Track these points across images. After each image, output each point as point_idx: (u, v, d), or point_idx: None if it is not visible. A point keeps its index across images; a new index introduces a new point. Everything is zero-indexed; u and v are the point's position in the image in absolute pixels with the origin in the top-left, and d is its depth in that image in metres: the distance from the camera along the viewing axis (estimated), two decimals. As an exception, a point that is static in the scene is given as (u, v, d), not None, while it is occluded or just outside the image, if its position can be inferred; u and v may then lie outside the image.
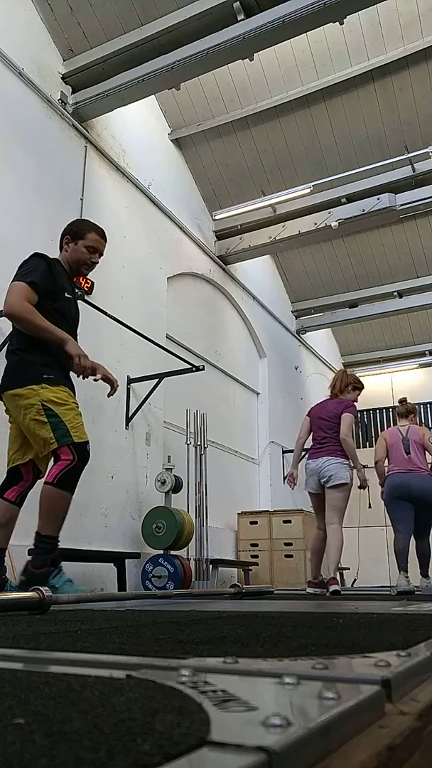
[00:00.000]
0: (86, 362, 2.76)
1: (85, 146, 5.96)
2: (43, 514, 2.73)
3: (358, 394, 4.89)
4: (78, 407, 2.89)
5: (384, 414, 12.11)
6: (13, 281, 2.91)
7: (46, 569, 2.72)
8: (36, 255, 3.12)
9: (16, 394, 2.81)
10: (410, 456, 5.15)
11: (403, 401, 5.70)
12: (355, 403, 4.90)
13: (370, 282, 10.39)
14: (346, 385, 4.88)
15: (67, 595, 2.21)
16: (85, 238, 3.19)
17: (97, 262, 3.27)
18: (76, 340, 3.02)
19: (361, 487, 4.69)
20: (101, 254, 3.26)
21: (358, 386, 4.91)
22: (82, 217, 3.31)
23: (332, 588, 4.33)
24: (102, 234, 3.25)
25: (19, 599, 1.89)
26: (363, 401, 13.67)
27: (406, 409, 5.60)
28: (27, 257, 3.17)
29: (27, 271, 2.95)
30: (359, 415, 12.21)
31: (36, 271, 2.92)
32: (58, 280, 3.04)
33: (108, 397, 3.11)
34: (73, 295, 3.18)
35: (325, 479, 4.69)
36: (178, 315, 7.32)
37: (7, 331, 4.51)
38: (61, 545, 4.50)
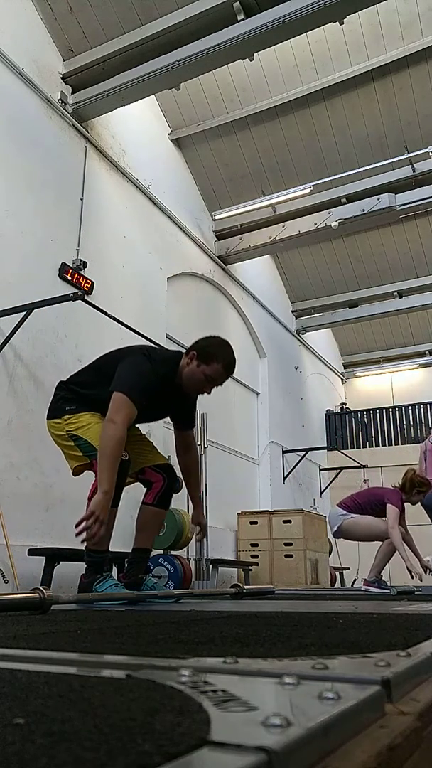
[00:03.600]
0: (96, 527, 2.45)
1: (85, 146, 5.96)
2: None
3: (422, 496, 4.84)
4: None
5: (384, 414, 12.11)
6: (116, 388, 2.66)
7: (92, 578, 2.79)
8: (145, 357, 2.87)
9: (49, 425, 2.97)
10: None
11: None
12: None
13: (370, 282, 10.40)
14: (412, 487, 4.83)
15: (67, 596, 2.21)
16: (210, 365, 2.84)
17: (209, 392, 2.96)
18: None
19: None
20: (218, 386, 2.95)
21: (422, 489, 4.86)
22: (218, 341, 2.99)
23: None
24: (229, 369, 2.90)
25: (19, 599, 1.89)
26: (363, 401, 13.71)
27: None
28: (133, 351, 2.93)
29: (132, 379, 2.71)
30: (359, 415, 12.25)
31: (141, 386, 2.71)
32: (158, 396, 2.84)
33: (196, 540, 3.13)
34: (161, 403, 2.95)
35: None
36: (178, 315, 7.32)
37: (7, 331, 4.53)
38: (62, 545, 4.52)
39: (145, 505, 3.02)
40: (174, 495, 6.24)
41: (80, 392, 2.92)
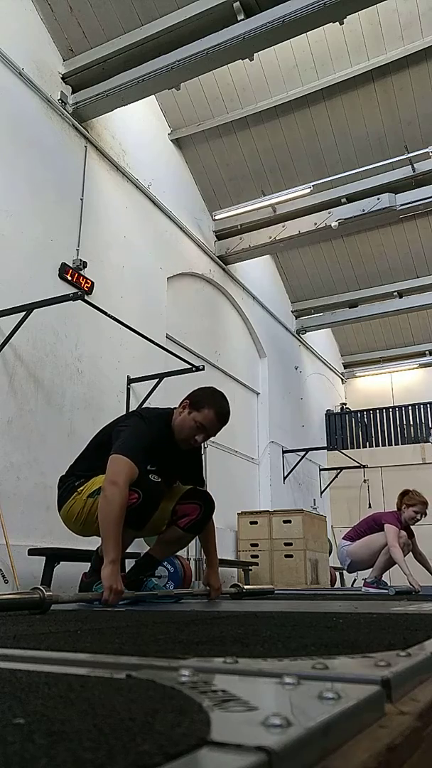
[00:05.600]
0: (113, 600, 2.36)
1: (85, 146, 5.96)
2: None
3: (415, 511, 4.87)
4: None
5: (384, 414, 12.11)
6: (114, 451, 2.57)
7: (93, 578, 2.75)
8: (138, 416, 2.84)
9: (65, 512, 2.83)
10: None
11: None
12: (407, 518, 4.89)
13: (370, 282, 10.40)
14: (401, 504, 4.93)
15: (67, 595, 2.21)
16: (200, 411, 2.78)
17: (200, 442, 2.86)
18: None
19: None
20: (209, 436, 2.86)
21: (410, 503, 4.90)
22: (210, 390, 2.93)
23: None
24: (221, 417, 2.82)
25: (19, 599, 1.88)
26: (363, 401, 13.72)
27: None
28: (126, 416, 2.92)
29: (129, 440, 2.63)
30: (359, 415, 12.25)
31: (138, 446, 2.63)
32: (160, 455, 2.76)
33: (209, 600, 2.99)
34: (165, 465, 2.82)
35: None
36: (178, 315, 7.32)
37: (7, 331, 4.52)
38: (62, 545, 4.51)
39: (176, 527, 2.94)
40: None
41: (85, 473, 2.83)
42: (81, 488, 2.78)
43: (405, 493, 4.93)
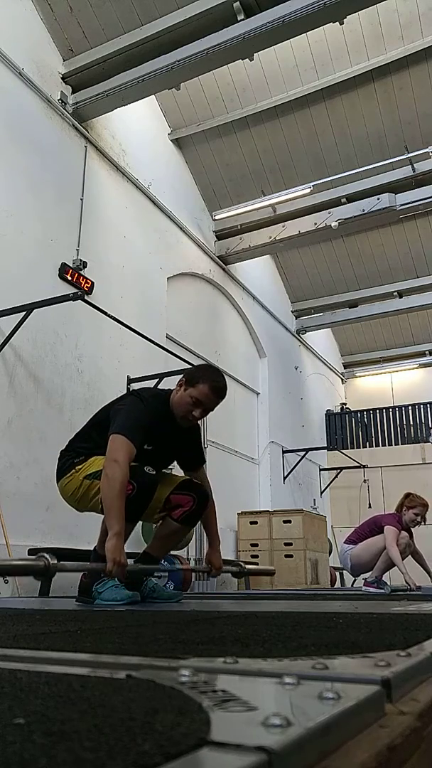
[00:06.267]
0: (117, 571, 2.43)
1: (85, 146, 5.96)
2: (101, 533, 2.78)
3: (415, 513, 4.92)
4: None
5: (384, 414, 12.11)
6: (113, 431, 2.63)
7: (93, 578, 2.75)
8: (135, 396, 2.87)
9: (62, 485, 2.89)
10: None
11: None
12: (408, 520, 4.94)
13: (370, 282, 10.40)
14: (401, 506, 5.00)
15: (71, 564, 2.21)
16: (195, 386, 2.79)
17: (199, 418, 2.87)
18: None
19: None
20: (207, 411, 2.85)
21: (411, 505, 4.96)
22: (205, 365, 2.96)
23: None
24: (217, 391, 2.81)
25: (25, 565, 1.88)
26: (363, 401, 13.71)
27: None
28: (124, 396, 2.94)
29: (127, 420, 2.68)
30: (359, 415, 12.25)
31: (136, 425, 2.68)
32: (159, 435, 2.81)
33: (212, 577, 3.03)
34: (163, 444, 2.87)
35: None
36: (178, 315, 7.32)
37: (7, 331, 4.53)
38: (61, 545, 4.51)
39: (170, 519, 2.95)
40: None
41: (84, 448, 2.87)
42: (79, 467, 2.82)
43: (407, 496, 5.00)
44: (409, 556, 4.91)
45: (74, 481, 2.82)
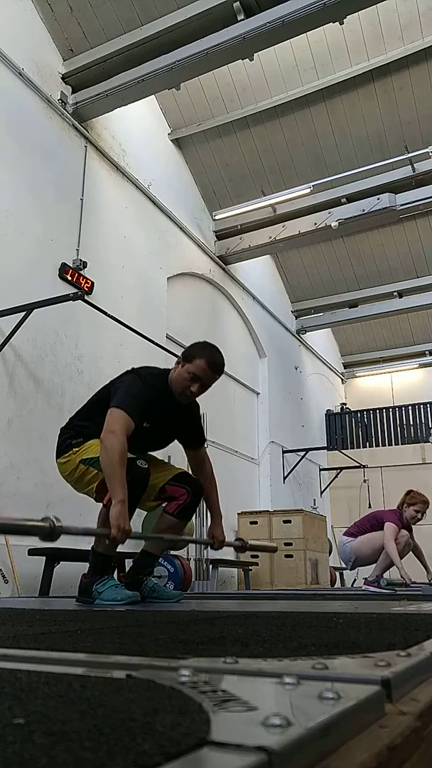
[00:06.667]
0: (120, 537, 2.45)
1: (85, 146, 5.96)
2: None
3: (416, 510, 4.95)
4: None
5: (384, 414, 12.11)
6: (111, 405, 2.68)
7: (92, 578, 2.75)
8: (134, 374, 2.91)
9: (59, 464, 2.94)
10: None
11: None
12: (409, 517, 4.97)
13: (370, 282, 10.40)
14: (402, 503, 5.04)
15: (75, 527, 2.22)
16: (192, 362, 2.82)
17: (197, 394, 2.88)
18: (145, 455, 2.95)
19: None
20: (205, 387, 2.86)
21: (412, 502, 4.99)
22: (202, 342, 2.96)
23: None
24: (213, 365, 2.83)
25: (31, 525, 1.89)
26: (363, 401, 13.70)
27: None
28: (123, 374, 2.97)
29: (125, 396, 2.73)
30: (359, 415, 12.25)
31: (135, 401, 2.73)
32: (157, 413, 2.84)
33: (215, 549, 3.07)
34: (162, 422, 2.91)
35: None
36: (178, 315, 7.32)
37: (7, 331, 4.53)
38: (61, 545, 4.50)
39: (166, 514, 2.98)
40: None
41: (83, 428, 2.90)
42: (76, 449, 2.85)
43: (408, 493, 5.04)
44: (410, 552, 4.97)
45: (71, 463, 2.86)
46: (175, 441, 3.17)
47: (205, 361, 2.83)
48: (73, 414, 3.05)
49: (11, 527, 1.83)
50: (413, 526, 5.01)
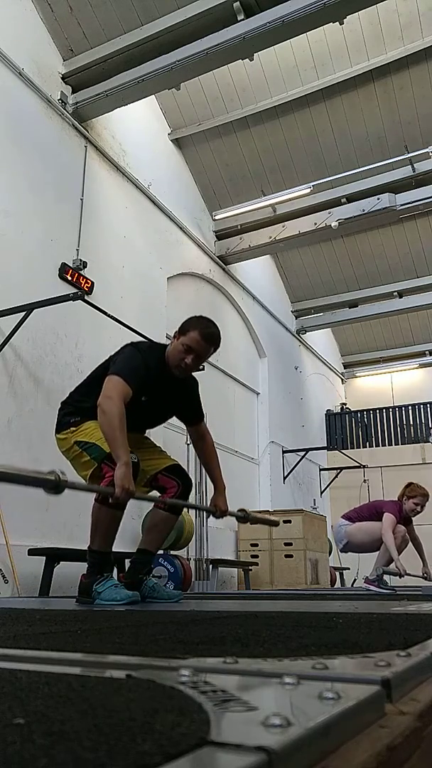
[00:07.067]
0: (124, 497, 2.48)
1: (85, 146, 5.96)
2: (91, 529, 2.80)
3: (415, 503, 4.97)
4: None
5: (384, 414, 12.11)
6: (110, 372, 2.74)
7: (92, 578, 2.76)
8: (133, 347, 2.95)
9: (57, 440, 2.98)
10: None
11: None
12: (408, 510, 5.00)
13: (370, 282, 10.40)
14: (402, 495, 5.07)
15: (80, 483, 2.22)
16: (186, 335, 2.85)
17: (192, 366, 2.90)
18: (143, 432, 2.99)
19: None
20: (200, 358, 2.88)
21: (411, 495, 5.02)
22: (197, 316, 2.99)
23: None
24: (208, 338, 2.85)
25: (38, 477, 1.90)
26: (363, 401, 13.70)
27: None
28: (124, 346, 2.99)
29: (124, 366, 2.79)
30: (359, 415, 12.25)
31: (133, 372, 2.76)
32: (154, 386, 2.87)
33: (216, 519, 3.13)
34: (159, 396, 2.94)
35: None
36: (178, 315, 7.27)
37: (7, 331, 4.52)
38: (60, 545, 4.51)
39: (157, 509, 3.00)
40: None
41: (81, 404, 2.92)
42: (73, 428, 2.88)
43: (408, 485, 5.08)
44: (410, 543, 5.00)
45: (67, 441, 2.90)
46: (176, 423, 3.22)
47: (199, 333, 2.85)
48: (73, 389, 3.08)
49: (18, 477, 1.85)
50: (413, 520, 5.05)
